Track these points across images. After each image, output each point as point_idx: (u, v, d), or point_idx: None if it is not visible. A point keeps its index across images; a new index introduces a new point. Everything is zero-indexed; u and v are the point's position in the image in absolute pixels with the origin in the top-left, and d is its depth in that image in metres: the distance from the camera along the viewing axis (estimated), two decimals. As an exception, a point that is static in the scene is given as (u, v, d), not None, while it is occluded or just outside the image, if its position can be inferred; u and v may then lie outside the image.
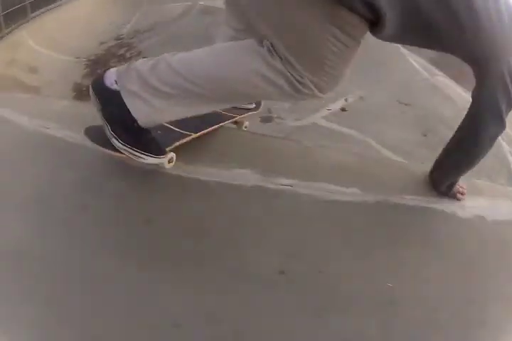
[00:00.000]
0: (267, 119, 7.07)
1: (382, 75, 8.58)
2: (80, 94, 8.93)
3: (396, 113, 7.68)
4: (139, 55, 10.44)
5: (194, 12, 11.67)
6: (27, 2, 13.21)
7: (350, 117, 7.27)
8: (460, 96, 8.69)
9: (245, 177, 2.81)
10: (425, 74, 9.37)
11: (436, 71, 10.13)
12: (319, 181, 2.94)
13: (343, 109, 7.52)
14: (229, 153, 3.12)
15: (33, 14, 13.96)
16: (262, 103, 3.79)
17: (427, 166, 3.36)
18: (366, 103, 7.78)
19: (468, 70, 2.33)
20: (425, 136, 7.24)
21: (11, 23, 13.22)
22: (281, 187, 2.78)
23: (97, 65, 10.46)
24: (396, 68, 9.10)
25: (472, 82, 2.48)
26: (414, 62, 9.70)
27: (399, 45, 8.94)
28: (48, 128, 3.32)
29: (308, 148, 3.73)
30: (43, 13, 14.57)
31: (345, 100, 7.71)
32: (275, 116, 7.10)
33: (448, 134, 5.91)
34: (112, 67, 6.96)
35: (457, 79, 9.85)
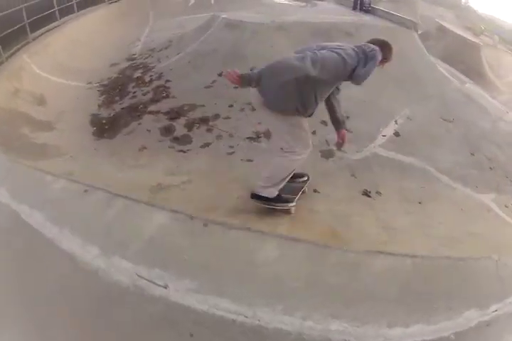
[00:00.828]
0: (328, 154, 6.74)
1: (420, 89, 8.55)
2: (100, 128, 7.92)
3: (442, 132, 7.64)
4: (161, 77, 9.26)
5: (216, 26, 10.36)
6: (26, 21, 12.25)
7: (405, 142, 7.12)
8: (491, 105, 9.30)
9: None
10: (456, 83, 9.40)
11: (463, 77, 10.80)
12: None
13: (396, 134, 7.33)
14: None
15: (34, 34, 13.05)
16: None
17: None
18: (414, 123, 7.67)
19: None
20: (473, 154, 7.34)
21: (11, 45, 12.34)
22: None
23: (114, 91, 9.34)
24: (430, 79, 9.01)
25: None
26: (443, 69, 9.82)
27: (430, 56, 9.82)
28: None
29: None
30: (43, 33, 13.71)
31: (396, 122, 7.60)
32: (334, 148, 6.56)
33: (490, 149, 7.51)
34: (131, 92, 7.94)
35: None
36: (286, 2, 20.09)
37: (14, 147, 6.70)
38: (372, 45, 4.78)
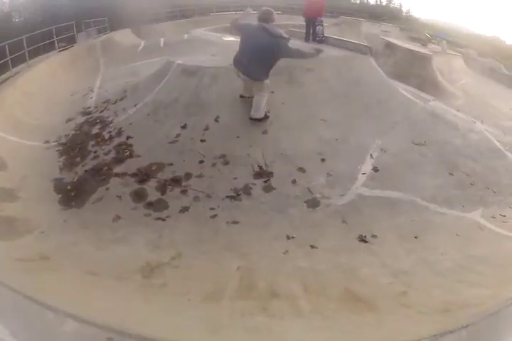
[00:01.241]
0: (313, 203, 6.55)
1: (387, 117, 8.59)
2: (66, 196, 7.38)
3: (417, 157, 7.71)
4: (121, 133, 8.79)
5: (172, 73, 10.04)
6: None
7: (385, 177, 7.15)
8: (458, 119, 9.41)
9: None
10: (420, 104, 9.43)
11: (424, 95, 10.85)
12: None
13: (375, 169, 7.30)
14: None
15: None
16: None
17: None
18: (389, 154, 7.67)
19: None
20: (452, 174, 7.43)
21: None
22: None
23: (73, 150, 8.80)
24: (394, 104, 9.07)
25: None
26: (405, 91, 9.89)
27: (391, 80, 9.95)
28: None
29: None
30: None
31: (371, 156, 7.59)
32: (319, 196, 6.64)
33: (467, 164, 7.68)
34: (92, 152, 7.27)
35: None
36: (235, 40, 20.29)
37: None
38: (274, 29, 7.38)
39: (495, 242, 5.78)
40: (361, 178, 7.07)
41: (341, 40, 11.70)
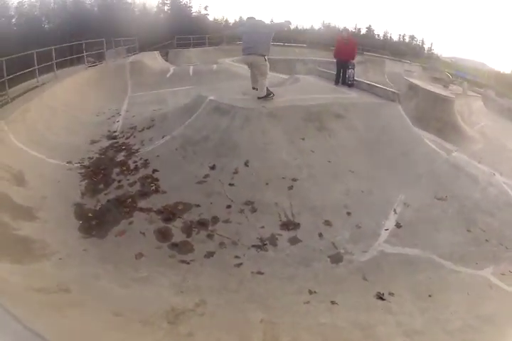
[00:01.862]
0: (337, 259, 6.52)
1: (412, 169, 8.61)
2: (87, 223, 7.31)
3: (438, 213, 7.64)
4: (147, 165, 8.83)
5: (203, 108, 10.12)
6: (5, 78, 11.92)
7: (407, 233, 7.11)
8: (478, 171, 9.31)
9: None
10: (443, 155, 9.40)
11: (447, 144, 10.64)
12: None
13: (397, 225, 7.28)
14: None
15: (12, 91, 12.61)
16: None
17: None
18: (411, 209, 7.65)
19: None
20: (469, 231, 7.33)
21: None
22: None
23: (97, 176, 8.81)
24: (419, 155, 9.07)
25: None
26: (429, 141, 9.87)
27: (416, 129, 9.90)
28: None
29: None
30: (21, 94, 13.21)
31: (395, 211, 7.58)
32: (342, 251, 6.62)
33: (484, 219, 7.63)
34: (116, 180, 8.37)
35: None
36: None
37: None
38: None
39: (502, 301, 5.77)
40: (384, 234, 7.06)
41: (371, 85, 11.80)
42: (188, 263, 6.25)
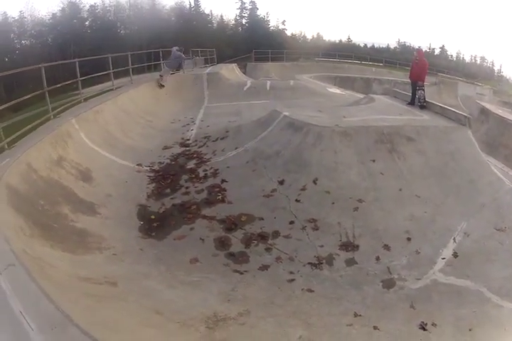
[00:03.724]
0: (389, 284, 6.39)
1: (476, 197, 8.32)
2: (148, 224, 7.58)
3: (495, 245, 7.35)
4: (216, 175, 9.05)
5: (278, 124, 10.29)
6: (79, 78, 12.39)
7: (462, 264, 6.90)
8: None
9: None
10: (508, 184, 8.93)
11: None
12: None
13: (454, 255, 7.08)
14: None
15: (86, 92, 13.19)
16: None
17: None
18: (470, 239, 7.43)
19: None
20: None
21: (60, 95, 12.43)
22: None
23: (165, 181, 9.08)
24: (484, 184, 8.73)
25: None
26: (495, 168, 9.59)
27: (483, 155, 9.61)
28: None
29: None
30: (97, 95, 13.99)
31: (454, 240, 7.38)
32: (396, 277, 6.50)
33: None
34: (184, 186, 8.75)
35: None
36: (340, 92, 20.57)
37: (52, 229, 6.35)
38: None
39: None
40: (440, 263, 6.89)
41: (443, 107, 11.46)
42: (242, 273, 6.30)
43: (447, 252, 7.12)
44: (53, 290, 4.12)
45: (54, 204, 6.99)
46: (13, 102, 8.92)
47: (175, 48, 18.13)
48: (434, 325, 5.53)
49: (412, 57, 13.18)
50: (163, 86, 17.25)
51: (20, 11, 56.72)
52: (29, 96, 9.52)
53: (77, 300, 4.33)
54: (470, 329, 5.52)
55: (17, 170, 6.89)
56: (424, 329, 5.47)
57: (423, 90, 12.12)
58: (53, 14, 58.30)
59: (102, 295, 4.98)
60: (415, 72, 12.38)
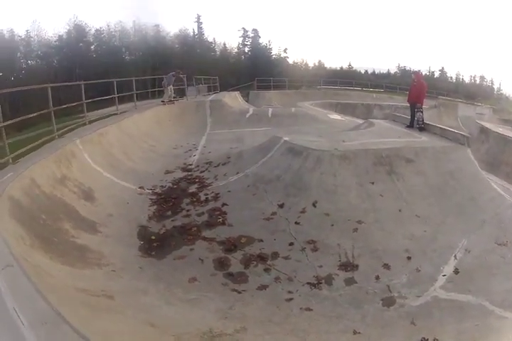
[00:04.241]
0: (389, 302, 6.37)
1: (477, 214, 8.38)
2: (148, 244, 7.63)
3: (497, 259, 7.37)
4: (217, 199, 9.13)
5: (278, 149, 10.46)
6: (84, 101, 12.69)
7: (463, 280, 6.90)
8: None
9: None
10: (508, 198, 9.07)
11: None
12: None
13: (455, 271, 7.08)
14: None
15: (90, 115, 13.43)
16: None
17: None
18: (471, 256, 7.45)
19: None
20: None
21: (65, 117, 12.62)
22: None
23: (167, 204, 9.17)
24: (485, 200, 8.81)
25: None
26: (495, 185, 9.66)
27: (483, 173, 9.70)
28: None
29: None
30: (98, 119, 14.21)
31: (455, 257, 7.40)
32: (396, 295, 6.49)
33: None
34: (185, 209, 8.86)
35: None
36: (340, 118, 20.84)
37: (52, 243, 6.43)
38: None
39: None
40: (441, 280, 6.88)
41: (441, 128, 11.64)
42: (240, 292, 6.32)
43: (448, 269, 7.13)
44: (50, 294, 4.16)
45: (55, 220, 7.11)
46: (18, 119, 9.20)
47: (171, 74, 19.19)
48: (435, 340, 5.49)
49: (410, 80, 13.42)
50: (172, 102, 18.37)
51: (26, 30, 58.38)
52: (35, 114, 9.85)
53: (73, 308, 4.36)
54: (472, 343, 5.49)
55: (20, 184, 7.07)
56: (426, 345, 5.43)
57: (421, 112, 12.31)
58: (59, 36, 59.72)
59: (98, 306, 5.02)
60: (413, 94, 12.63)
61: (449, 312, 6.16)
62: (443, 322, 5.91)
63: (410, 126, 12.65)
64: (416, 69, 12.10)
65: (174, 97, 19.34)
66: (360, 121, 16.90)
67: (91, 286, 5.48)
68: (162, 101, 18.92)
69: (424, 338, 5.50)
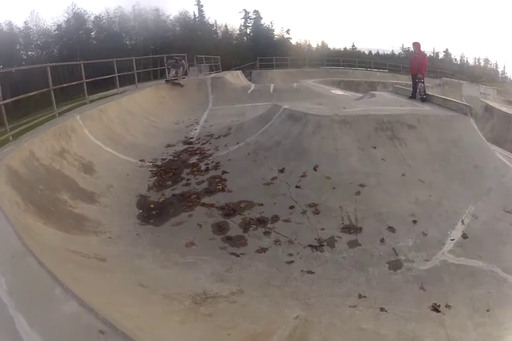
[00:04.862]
0: (395, 265, 6.22)
1: (482, 182, 8.22)
2: (147, 213, 7.58)
3: (506, 226, 7.16)
4: (218, 167, 9.03)
5: (278, 117, 10.36)
6: (84, 80, 12.65)
7: (473, 245, 6.73)
8: None
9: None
10: None
11: None
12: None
13: (464, 236, 6.91)
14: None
15: (91, 97, 13.35)
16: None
17: None
18: (479, 221, 7.26)
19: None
20: None
21: (65, 102, 12.57)
22: None
23: (167, 174, 9.09)
24: (490, 169, 8.64)
25: None
26: (500, 155, 9.48)
27: (488, 144, 9.44)
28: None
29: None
30: (101, 98, 14.17)
31: (462, 222, 7.21)
32: (403, 258, 6.33)
33: None
34: (185, 179, 8.85)
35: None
36: (343, 93, 20.65)
37: (48, 211, 6.40)
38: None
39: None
40: (449, 244, 6.73)
41: (443, 99, 11.42)
42: (238, 256, 6.23)
43: (456, 234, 6.98)
44: (36, 247, 4.12)
45: (53, 190, 7.07)
46: (15, 98, 9.43)
47: (173, 61, 19.13)
48: (448, 306, 5.35)
49: (411, 52, 13.30)
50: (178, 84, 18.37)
51: (25, 22, 57.79)
52: (34, 93, 9.78)
53: (61, 264, 4.31)
54: (488, 310, 5.33)
55: (19, 156, 7.05)
56: (438, 310, 5.28)
57: (423, 83, 12.10)
58: (58, 25, 59.17)
59: (88, 265, 4.96)
60: (415, 65, 12.41)
61: (459, 277, 6.03)
62: (454, 288, 5.77)
63: (412, 97, 12.45)
64: (415, 41, 11.85)
65: (175, 77, 19.06)
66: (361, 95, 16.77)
67: (84, 250, 5.42)
68: (166, 81, 18.79)
69: (435, 304, 5.37)
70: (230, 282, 5.51)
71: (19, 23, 59.43)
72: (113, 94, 15.36)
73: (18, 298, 3.18)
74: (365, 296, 5.44)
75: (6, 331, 2.85)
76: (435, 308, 5.30)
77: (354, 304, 5.28)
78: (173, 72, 18.78)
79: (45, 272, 3.48)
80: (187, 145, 11.15)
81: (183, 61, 19.68)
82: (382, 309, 5.20)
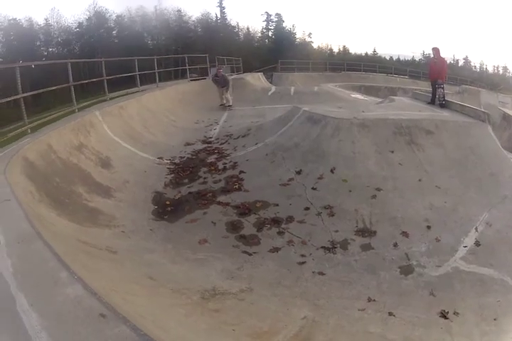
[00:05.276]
0: (407, 270, 6.20)
1: (498, 190, 8.10)
2: (162, 209, 7.66)
3: None
4: (235, 167, 9.10)
5: (297, 119, 10.40)
6: (104, 77, 12.85)
7: (485, 253, 6.68)
8: None
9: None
10: None
11: None
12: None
13: (477, 243, 6.86)
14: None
15: (111, 94, 13.51)
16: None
17: None
18: (493, 229, 7.18)
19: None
20: None
21: (86, 98, 12.73)
22: None
23: (184, 172, 9.17)
24: (506, 177, 8.49)
25: None
26: None
27: (505, 151, 9.34)
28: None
29: None
30: (122, 96, 14.37)
31: (476, 229, 7.15)
32: (415, 263, 6.32)
33: None
34: (202, 177, 8.96)
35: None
36: (363, 98, 20.62)
37: (63, 203, 6.49)
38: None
39: None
40: (461, 251, 6.70)
41: (462, 105, 11.36)
42: (250, 254, 6.26)
43: (469, 241, 6.94)
44: (46, 234, 4.17)
45: (69, 183, 7.18)
46: (36, 92, 9.51)
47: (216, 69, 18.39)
48: (456, 313, 5.33)
49: (430, 58, 13.20)
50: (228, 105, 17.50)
51: (45, 19, 58.29)
52: (54, 88, 10.00)
53: (69, 250, 4.35)
54: (495, 319, 5.31)
55: (36, 148, 7.18)
56: (446, 317, 5.27)
57: (443, 88, 12.01)
58: (80, 23, 59.66)
59: (98, 256, 5.01)
60: (434, 70, 12.29)
61: (470, 285, 6.00)
62: (464, 295, 5.75)
63: (431, 102, 12.35)
64: (435, 46, 11.71)
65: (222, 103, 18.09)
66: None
67: (95, 241, 5.49)
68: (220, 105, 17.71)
69: (444, 310, 5.35)
70: (240, 280, 5.54)
71: (39, 19, 60.16)
72: (133, 92, 15.54)
73: (23, 279, 3.24)
74: (374, 300, 5.45)
75: (5, 310, 2.90)
76: (443, 315, 5.29)
77: (363, 307, 5.30)
78: (218, 87, 17.52)
79: (52, 255, 3.54)
80: (206, 145, 11.24)
81: (223, 72, 18.01)
82: (390, 313, 5.21)
